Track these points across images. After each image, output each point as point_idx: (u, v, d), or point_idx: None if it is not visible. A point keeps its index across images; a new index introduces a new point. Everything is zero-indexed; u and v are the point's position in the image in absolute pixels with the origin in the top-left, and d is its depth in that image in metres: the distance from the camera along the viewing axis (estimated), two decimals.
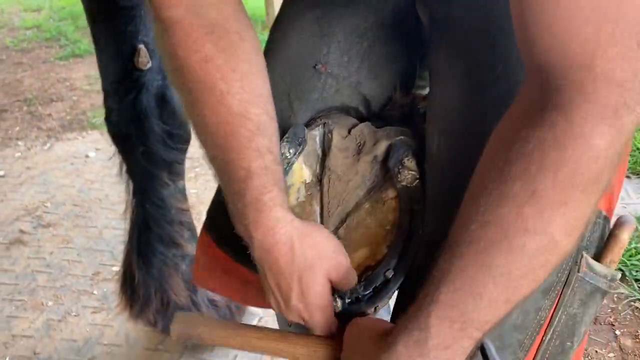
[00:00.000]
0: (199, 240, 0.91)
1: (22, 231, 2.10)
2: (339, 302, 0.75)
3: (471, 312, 0.53)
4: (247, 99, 0.67)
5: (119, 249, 1.97)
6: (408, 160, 0.74)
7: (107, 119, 1.37)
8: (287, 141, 0.77)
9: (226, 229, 0.84)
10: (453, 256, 0.54)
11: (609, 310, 1.60)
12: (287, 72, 0.83)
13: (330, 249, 0.69)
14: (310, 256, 0.66)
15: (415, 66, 0.89)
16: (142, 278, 1.43)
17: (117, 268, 1.89)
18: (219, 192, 0.84)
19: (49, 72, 3.55)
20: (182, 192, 1.45)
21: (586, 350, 1.47)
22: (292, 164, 0.78)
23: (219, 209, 0.78)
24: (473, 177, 0.57)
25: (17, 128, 2.89)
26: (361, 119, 0.84)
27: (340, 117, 0.83)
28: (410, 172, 0.74)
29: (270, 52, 0.84)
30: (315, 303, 0.68)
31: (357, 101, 0.83)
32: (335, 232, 0.77)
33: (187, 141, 1.41)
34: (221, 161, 0.67)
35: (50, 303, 1.78)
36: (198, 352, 1.58)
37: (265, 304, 0.88)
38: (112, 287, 1.81)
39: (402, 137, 0.78)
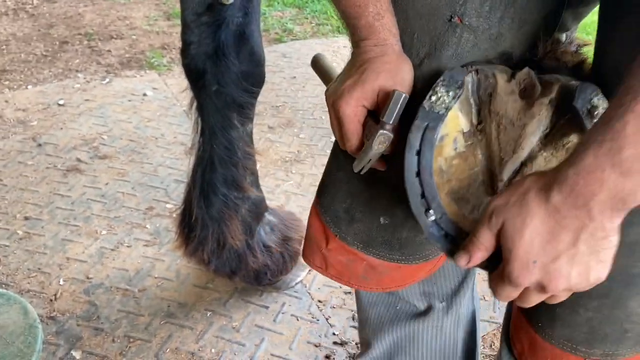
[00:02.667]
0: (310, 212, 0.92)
1: (79, 160, 2.14)
2: None
3: None
4: None
5: (173, 187, 1.99)
6: (599, 99, 0.67)
7: (184, 52, 1.34)
8: (442, 85, 0.71)
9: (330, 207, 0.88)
10: None
11: None
12: (417, 26, 0.74)
13: (409, 78, 0.74)
14: (385, 70, 0.71)
15: (560, 12, 0.78)
16: (201, 217, 1.43)
17: (170, 205, 1.91)
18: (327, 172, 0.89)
19: (109, 10, 3.56)
20: (250, 136, 1.43)
21: None
22: (450, 109, 0.71)
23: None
24: None
25: (77, 60, 2.92)
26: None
27: (490, 65, 0.74)
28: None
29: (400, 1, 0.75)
30: (356, 96, 0.71)
31: (493, 56, 0.75)
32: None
33: (260, 84, 1.39)
34: None
35: (104, 232, 1.81)
36: (246, 295, 1.59)
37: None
38: (164, 223, 1.84)
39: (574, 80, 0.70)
